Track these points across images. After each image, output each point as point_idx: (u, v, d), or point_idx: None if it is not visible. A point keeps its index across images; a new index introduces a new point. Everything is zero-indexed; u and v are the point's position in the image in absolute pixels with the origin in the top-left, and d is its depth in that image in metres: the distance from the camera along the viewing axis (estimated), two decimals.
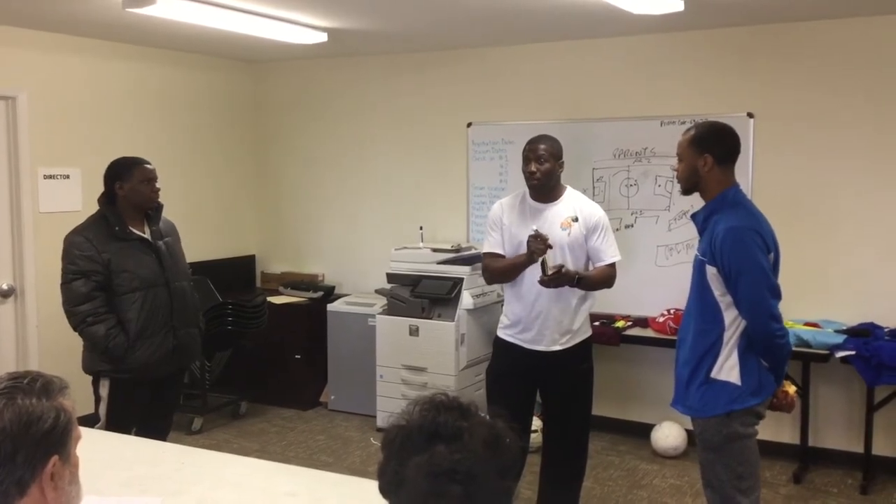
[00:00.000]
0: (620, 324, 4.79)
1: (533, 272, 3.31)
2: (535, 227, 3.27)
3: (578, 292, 3.36)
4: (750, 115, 4.61)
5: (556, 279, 3.21)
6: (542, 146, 3.38)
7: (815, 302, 4.52)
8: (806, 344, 4.18)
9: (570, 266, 3.33)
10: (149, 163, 3.55)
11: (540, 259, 3.19)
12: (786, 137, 4.58)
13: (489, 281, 3.61)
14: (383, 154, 5.80)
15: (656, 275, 4.83)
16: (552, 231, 3.36)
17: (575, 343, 3.43)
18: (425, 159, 5.65)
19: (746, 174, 4.55)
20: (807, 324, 4.39)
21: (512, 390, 3.44)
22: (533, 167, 3.36)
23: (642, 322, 4.81)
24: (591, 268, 3.46)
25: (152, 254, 3.50)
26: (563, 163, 3.46)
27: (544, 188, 3.41)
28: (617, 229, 4.95)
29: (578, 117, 5.08)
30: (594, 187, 5.03)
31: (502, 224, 3.46)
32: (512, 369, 3.45)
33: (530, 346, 3.41)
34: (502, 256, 3.46)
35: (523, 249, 3.31)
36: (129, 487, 2.14)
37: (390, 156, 5.77)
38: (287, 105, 6.15)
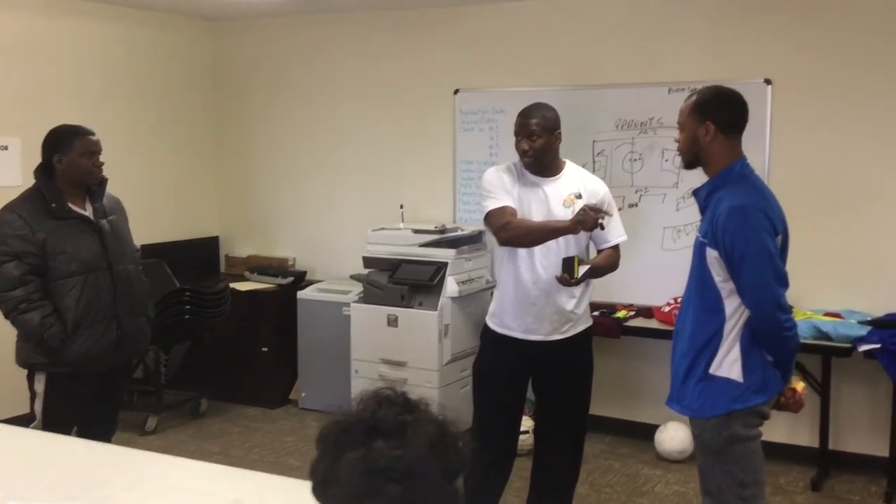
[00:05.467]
0: (622, 314, 4.80)
1: (541, 248, 3.31)
2: (584, 202, 3.26)
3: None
4: (767, 82, 4.59)
5: (581, 282, 3.24)
6: (534, 120, 3.36)
7: (837, 290, 4.52)
8: (826, 336, 4.19)
9: (573, 249, 3.34)
10: (92, 133, 3.52)
11: (572, 256, 3.20)
12: (808, 107, 4.56)
13: (507, 239, 3.37)
14: (360, 125, 5.77)
15: (662, 259, 4.83)
16: (554, 209, 3.36)
17: (577, 332, 3.44)
18: (407, 130, 5.62)
19: (763, 148, 4.54)
20: (827, 314, 4.39)
21: (503, 388, 3.44)
22: (525, 144, 3.35)
23: (646, 312, 4.82)
24: (590, 248, 3.46)
25: (94, 234, 3.48)
26: (559, 134, 3.44)
27: (541, 164, 3.41)
28: (620, 209, 4.89)
29: (577, 83, 5.06)
30: (594, 162, 5.02)
31: (507, 187, 3.40)
32: (504, 363, 3.45)
33: (526, 336, 3.40)
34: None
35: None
36: (54, 492, 2.13)
37: (368, 127, 5.75)
38: (252, 69, 6.11)
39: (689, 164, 2.79)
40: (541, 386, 3.54)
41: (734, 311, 2.60)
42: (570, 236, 3.31)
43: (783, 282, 2.58)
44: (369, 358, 5.03)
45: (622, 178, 4.97)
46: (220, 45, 6.21)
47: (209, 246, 6.26)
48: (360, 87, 5.75)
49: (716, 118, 2.67)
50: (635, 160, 4.95)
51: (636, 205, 4.97)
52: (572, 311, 3.40)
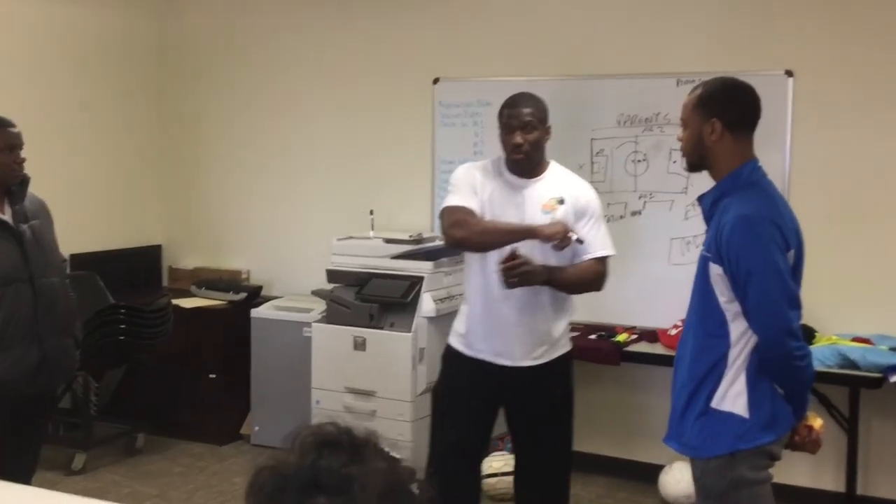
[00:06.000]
0: (622, 337, 4.81)
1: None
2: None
3: (553, 291, 3.35)
4: (788, 74, 4.62)
5: (523, 275, 3.21)
6: (528, 109, 3.39)
7: (867, 311, 4.54)
8: (854, 365, 4.21)
9: (553, 260, 3.35)
10: (12, 125, 3.55)
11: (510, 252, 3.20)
12: (834, 102, 4.59)
13: (459, 240, 3.43)
14: (325, 118, 5.78)
15: (669, 275, 4.85)
16: (533, 214, 3.38)
17: (553, 357, 3.45)
18: (379, 125, 5.63)
19: (782, 149, 4.57)
20: (855, 339, 4.41)
21: (465, 419, 3.45)
22: (518, 138, 3.37)
23: (650, 335, 4.83)
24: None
25: (13, 241, 3.49)
26: (550, 128, 3.48)
27: (531, 162, 3.42)
28: (621, 216, 4.99)
29: (574, 73, 5.08)
30: (593, 163, 5.05)
31: (475, 188, 3.44)
32: (469, 390, 3.46)
33: (494, 360, 3.41)
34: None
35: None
36: None
37: (334, 121, 5.75)
38: (202, 54, 6.11)
39: (693, 166, 2.82)
40: (515, 420, 3.56)
41: (740, 337, 2.61)
42: (550, 250, 3.33)
43: (794, 304, 2.61)
44: (332, 386, 5.03)
45: (624, 182, 5.00)
46: (165, 26, 6.20)
47: (149, 256, 6.25)
48: (326, 76, 5.76)
49: (723, 114, 2.69)
50: (639, 161, 4.98)
51: (640, 212, 4.99)
52: (548, 332, 3.42)
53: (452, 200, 3.44)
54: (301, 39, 5.81)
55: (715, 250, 2.63)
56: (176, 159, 6.26)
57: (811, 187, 4.56)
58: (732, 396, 2.62)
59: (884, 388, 4.23)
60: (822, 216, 4.44)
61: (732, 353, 2.62)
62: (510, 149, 3.40)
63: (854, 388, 4.37)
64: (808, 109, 4.61)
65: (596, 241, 3.44)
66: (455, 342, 3.52)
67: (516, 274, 3.22)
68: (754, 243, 2.57)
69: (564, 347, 3.50)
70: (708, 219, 2.77)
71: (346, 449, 1.22)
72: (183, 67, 6.19)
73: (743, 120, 2.73)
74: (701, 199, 2.82)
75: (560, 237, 3.21)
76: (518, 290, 3.31)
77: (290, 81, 5.87)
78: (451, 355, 3.54)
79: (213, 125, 6.12)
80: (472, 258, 3.51)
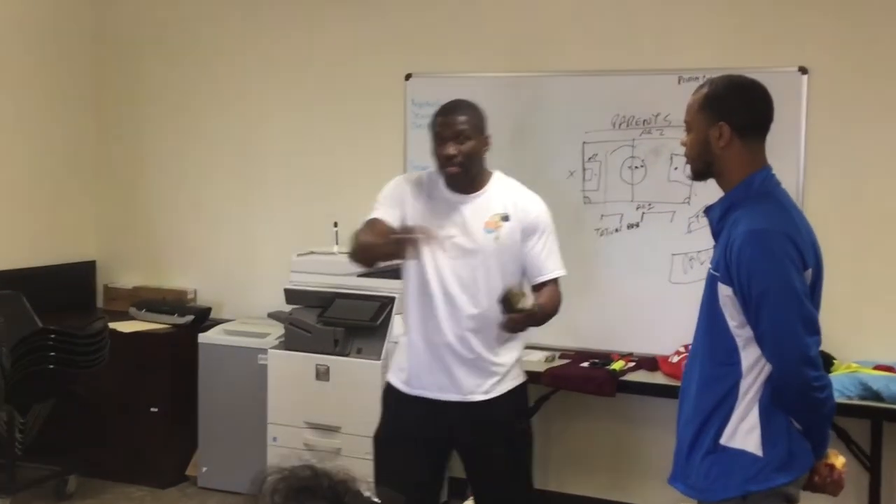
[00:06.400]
0: (618, 365, 4.83)
1: (454, 282, 3.38)
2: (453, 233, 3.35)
3: (498, 314, 3.35)
4: (803, 71, 4.69)
5: (525, 323, 3.27)
6: (462, 117, 3.44)
7: (890, 337, 4.60)
8: (876, 396, 4.26)
9: (496, 279, 3.40)
10: None
11: (505, 291, 3.23)
12: (854, 102, 4.66)
13: (349, 254, 3.55)
14: (283, 119, 5.80)
15: (670, 295, 4.90)
16: (475, 234, 3.43)
17: (506, 390, 3.50)
18: (345, 127, 5.65)
19: (796, 155, 4.63)
20: (878, 367, 4.46)
21: (413, 463, 3.46)
22: (451, 149, 3.41)
23: (649, 363, 4.87)
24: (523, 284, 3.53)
25: None
26: (489, 138, 3.53)
27: (467, 176, 3.47)
28: (617, 230, 5.03)
29: (564, 69, 5.14)
30: (585, 169, 5.09)
31: (405, 207, 3.50)
32: (414, 432, 3.48)
33: (440, 396, 3.46)
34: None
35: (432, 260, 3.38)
36: None
37: (293, 122, 5.77)
38: (144, 46, 6.11)
39: (698, 174, 2.86)
40: (469, 462, 3.59)
41: (752, 365, 2.65)
42: (496, 271, 3.40)
43: (812, 329, 2.63)
44: (291, 421, 5.03)
45: (620, 191, 5.05)
46: (103, 14, 6.20)
47: (83, 274, 6.23)
48: (284, 71, 5.78)
49: (732, 117, 2.72)
50: (637, 168, 5.03)
51: (637, 225, 5.04)
52: (495, 361, 3.46)
53: (369, 216, 3.52)
54: (253, 31, 5.83)
55: (724, 268, 2.66)
56: (112, 165, 6.25)
57: (827, 198, 4.62)
58: (744, 432, 2.64)
59: None
60: (839, 228, 4.50)
61: (744, 383, 2.65)
62: (442, 161, 3.44)
63: (877, 422, 4.43)
64: (825, 111, 4.67)
65: (550, 261, 3.51)
66: (395, 379, 3.56)
67: (523, 323, 3.27)
68: (768, 261, 2.60)
69: (516, 379, 3.55)
70: (716, 233, 2.80)
71: (327, 495, 1.24)
72: (121, 63, 6.19)
73: (754, 123, 2.77)
74: (708, 210, 2.86)
75: (411, 255, 3.27)
76: (468, 312, 3.37)
77: (242, 77, 5.89)
78: (391, 395, 3.58)
79: (155, 127, 6.12)
80: (408, 279, 3.53)
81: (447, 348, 3.43)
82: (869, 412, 4.29)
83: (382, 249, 3.33)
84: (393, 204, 3.52)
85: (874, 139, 4.66)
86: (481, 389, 3.45)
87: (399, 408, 3.55)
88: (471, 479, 3.63)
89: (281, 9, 5.76)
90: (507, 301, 3.20)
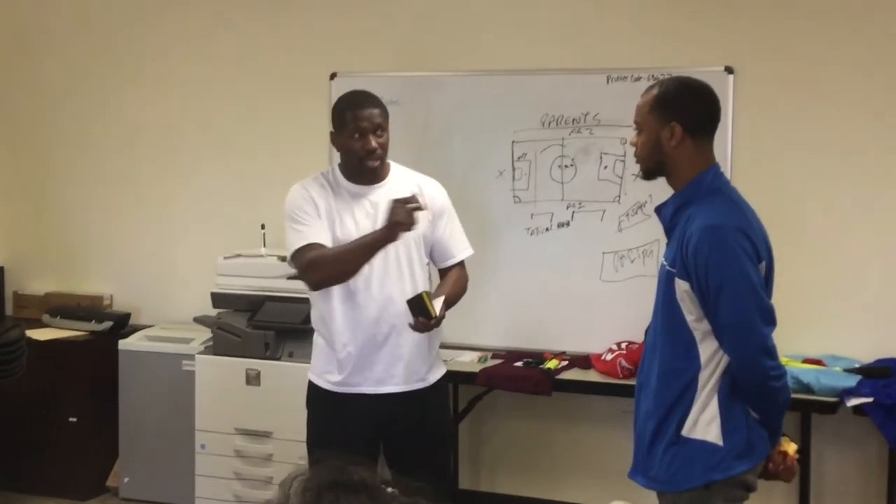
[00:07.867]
0: (552, 364, 4.88)
1: (379, 273, 3.47)
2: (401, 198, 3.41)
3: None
4: (728, 70, 4.79)
5: (433, 327, 3.39)
6: (377, 110, 3.54)
7: (818, 332, 4.73)
8: (807, 388, 4.35)
9: (416, 264, 3.54)
10: None
11: (415, 295, 3.33)
12: (780, 102, 4.78)
13: (319, 280, 3.53)
14: (205, 117, 5.75)
15: (601, 294, 4.96)
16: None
17: (438, 378, 3.65)
18: (269, 127, 5.63)
19: (724, 152, 4.65)
20: (807, 361, 4.58)
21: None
22: (373, 142, 3.49)
23: (582, 361, 4.91)
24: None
25: None
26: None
27: (382, 168, 3.59)
28: (547, 229, 5.09)
29: (493, 68, 5.18)
30: (514, 168, 5.14)
31: (319, 209, 3.55)
32: (350, 433, 3.51)
33: (376, 390, 3.53)
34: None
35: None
36: None
37: (216, 121, 5.73)
38: (56, 36, 6.01)
39: (649, 173, 2.96)
40: (394, 453, 3.66)
41: (711, 358, 2.75)
42: (403, 250, 3.51)
43: (769, 319, 2.76)
44: (221, 428, 5.02)
45: (550, 190, 5.10)
46: (12, 4, 6.08)
47: None
48: (205, 66, 5.73)
49: (683, 118, 2.83)
50: (566, 167, 5.09)
51: (567, 224, 5.09)
52: (429, 347, 3.59)
53: (300, 241, 3.52)
54: (174, 25, 5.77)
55: (680, 264, 2.76)
56: (22, 164, 6.14)
57: (754, 197, 4.64)
58: (704, 423, 2.75)
59: (838, 413, 4.40)
60: (767, 228, 4.62)
61: (703, 375, 2.75)
62: (364, 154, 3.50)
63: (806, 414, 4.51)
64: (751, 111, 4.78)
65: (458, 242, 3.67)
66: (321, 381, 3.62)
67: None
68: (724, 255, 2.71)
69: (443, 367, 3.71)
70: (669, 230, 2.90)
71: (359, 487, 1.25)
72: (32, 56, 6.07)
73: (705, 123, 2.89)
74: (660, 209, 2.95)
75: (409, 222, 3.33)
76: (399, 298, 3.44)
77: (162, 73, 5.82)
78: (318, 397, 3.64)
79: (69, 126, 6.01)
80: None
81: (384, 336, 3.52)
82: (799, 405, 4.34)
83: (373, 248, 3.39)
84: (314, 219, 3.55)
85: (801, 140, 4.76)
86: (421, 376, 3.61)
87: (330, 410, 3.63)
88: (393, 467, 3.71)
89: (201, 11, 5.72)
90: (420, 304, 3.31)
